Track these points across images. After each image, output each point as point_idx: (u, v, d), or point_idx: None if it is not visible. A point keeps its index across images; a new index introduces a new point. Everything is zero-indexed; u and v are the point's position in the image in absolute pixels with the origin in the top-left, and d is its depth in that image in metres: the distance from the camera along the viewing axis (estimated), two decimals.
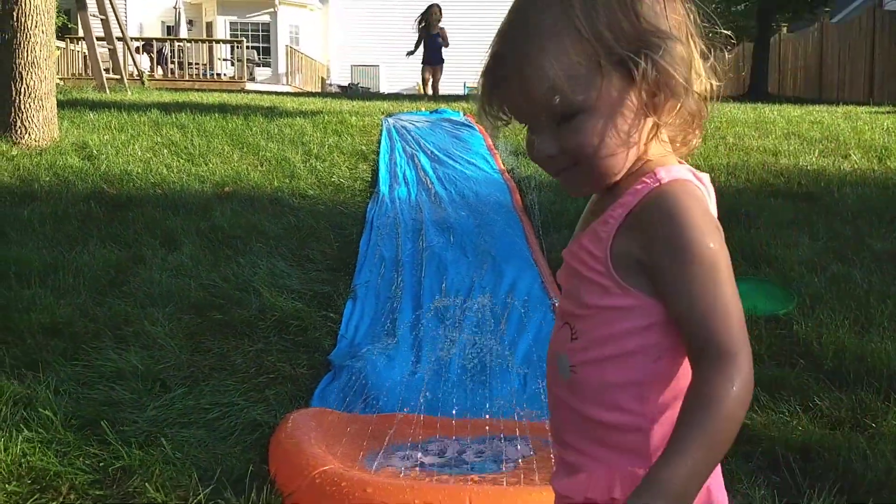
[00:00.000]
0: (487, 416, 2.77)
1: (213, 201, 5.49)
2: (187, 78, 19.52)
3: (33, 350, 3.27)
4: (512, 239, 4.92)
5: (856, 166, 6.63)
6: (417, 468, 2.46)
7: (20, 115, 6.54)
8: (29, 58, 6.40)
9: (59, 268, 4.11)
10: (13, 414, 2.78)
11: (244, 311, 3.82)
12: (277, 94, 15.65)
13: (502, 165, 6.96)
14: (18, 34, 6.44)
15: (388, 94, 17.79)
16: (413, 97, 13.53)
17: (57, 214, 4.98)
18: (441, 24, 13.45)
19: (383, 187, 6.05)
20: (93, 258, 4.30)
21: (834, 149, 7.29)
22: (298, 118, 9.26)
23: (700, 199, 1.04)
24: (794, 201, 5.70)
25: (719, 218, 1.07)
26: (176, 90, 14.29)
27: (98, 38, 12.38)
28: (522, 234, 5.07)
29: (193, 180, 6.03)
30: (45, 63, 6.52)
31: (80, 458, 2.56)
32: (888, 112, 10.15)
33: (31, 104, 6.43)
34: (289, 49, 24.45)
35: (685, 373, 1.04)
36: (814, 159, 6.86)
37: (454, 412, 2.85)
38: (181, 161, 6.55)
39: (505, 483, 2.30)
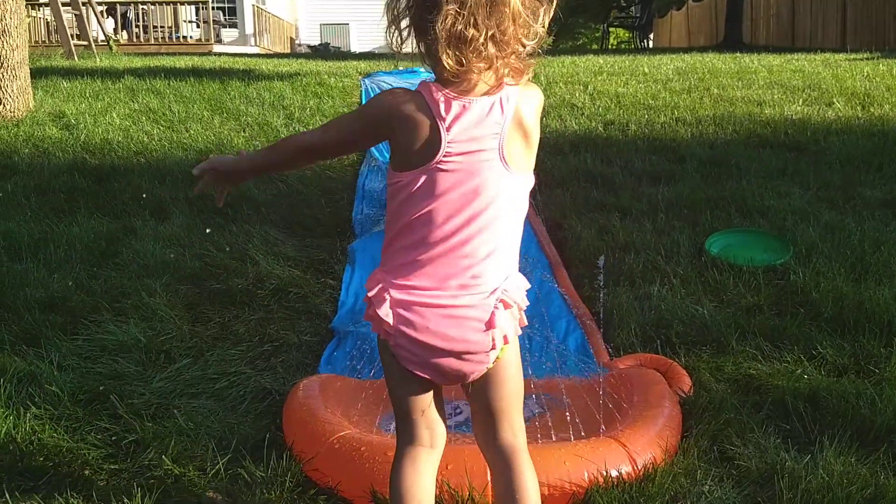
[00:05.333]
0: None
1: None
2: (153, 42, 19.03)
3: (32, 326, 3.22)
4: None
5: (840, 114, 6.66)
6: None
7: None
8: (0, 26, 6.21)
9: (49, 241, 4.04)
10: (18, 391, 2.74)
11: (242, 279, 3.78)
12: (247, 55, 15.39)
13: None
14: None
15: (361, 54, 17.55)
16: (387, 56, 13.33)
17: (41, 187, 4.88)
18: None
19: (373, 150, 5.99)
20: (82, 230, 4.22)
21: (817, 97, 7.32)
22: (276, 81, 9.12)
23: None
24: (781, 151, 5.73)
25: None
26: (142, 55, 14.00)
27: (63, 4, 12.04)
28: None
29: (176, 148, 5.93)
30: (16, 31, 6.33)
31: (92, 433, 2.54)
32: (866, 59, 10.20)
33: (5, 74, 6.26)
34: (256, 9, 23.88)
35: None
36: (798, 108, 6.88)
37: None
38: (161, 128, 6.44)
39: None
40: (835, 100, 7.11)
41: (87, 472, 2.38)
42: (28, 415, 2.59)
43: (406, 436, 1.82)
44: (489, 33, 1.56)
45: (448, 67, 1.58)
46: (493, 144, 1.62)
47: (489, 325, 1.66)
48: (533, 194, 4.88)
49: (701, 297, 3.46)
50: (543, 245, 4.24)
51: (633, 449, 2.19)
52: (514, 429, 1.81)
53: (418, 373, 1.71)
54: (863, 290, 3.34)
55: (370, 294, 1.71)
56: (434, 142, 1.62)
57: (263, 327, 3.37)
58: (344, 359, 3.13)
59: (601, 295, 3.32)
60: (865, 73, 8.49)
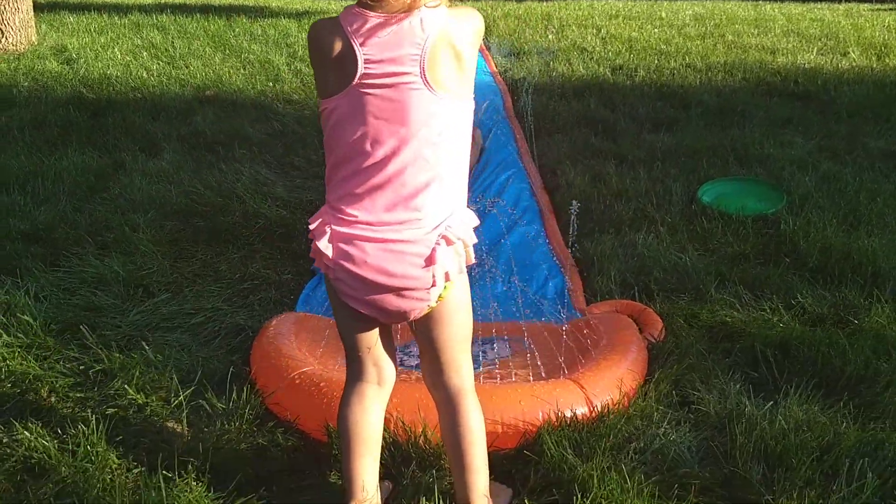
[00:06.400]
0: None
1: (195, 105, 5.36)
2: None
3: (12, 257, 3.24)
4: (503, 145, 4.82)
5: (854, 64, 6.47)
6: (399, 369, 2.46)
7: None
8: None
9: (39, 174, 4.04)
10: None
11: (228, 218, 3.77)
12: None
13: (494, 67, 6.79)
14: None
15: None
16: None
17: (37, 120, 4.86)
18: None
19: None
20: (73, 164, 4.22)
21: (833, 46, 7.11)
22: (283, 19, 8.98)
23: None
24: (790, 100, 5.59)
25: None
26: None
27: None
28: (513, 139, 4.97)
29: (174, 84, 5.87)
30: None
31: (61, 363, 2.56)
32: (890, 9, 9.87)
33: (7, 6, 6.19)
34: None
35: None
36: (812, 57, 6.69)
37: None
38: (161, 64, 6.38)
39: (481, 380, 2.31)
40: (850, 50, 6.90)
41: (52, 399, 2.40)
42: None
43: (354, 372, 1.82)
44: None
45: None
46: (414, 67, 1.57)
47: (429, 261, 1.63)
48: (530, 140, 4.79)
49: (686, 245, 3.41)
50: (536, 191, 4.19)
51: (591, 391, 2.18)
52: (459, 370, 1.79)
53: (359, 309, 1.69)
54: (852, 240, 3.27)
55: (312, 227, 1.69)
56: (351, 61, 1.58)
57: (245, 265, 3.37)
58: (322, 298, 3.12)
59: (570, 240, 3.28)
60: (886, 24, 8.23)
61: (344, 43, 1.58)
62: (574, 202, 3.15)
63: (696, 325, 2.77)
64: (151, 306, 3.00)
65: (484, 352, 2.56)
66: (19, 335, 2.67)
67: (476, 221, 1.71)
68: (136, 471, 2.05)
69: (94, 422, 2.14)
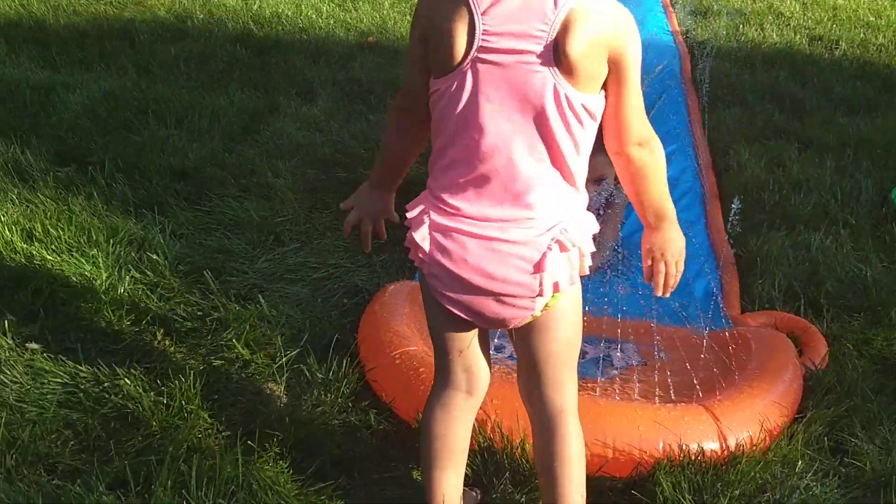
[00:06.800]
0: (602, 316, 2.46)
1: (356, 51, 5.29)
2: None
3: (157, 192, 3.29)
4: (672, 113, 4.41)
5: None
6: (509, 361, 2.26)
7: None
8: None
9: (197, 109, 4.10)
10: (126, 254, 2.81)
11: (369, 171, 3.66)
12: None
13: (676, 26, 6.26)
14: None
15: None
16: None
17: (204, 54, 4.96)
18: None
19: None
20: (230, 103, 4.26)
21: None
22: None
23: None
24: None
25: None
26: None
27: None
28: (685, 109, 4.54)
29: (339, 27, 5.84)
30: None
31: (181, 306, 2.56)
32: None
33: None
34: None
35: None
36: None
37: None
38: (332, 6, 6.37)
39: (597, 392, 2.07)
40: None
41: (166, 342, 2.40)
42: (128, 278, 2.65)
43: (442, 376, 1.64)
44: None
45: None
46: (538, 45, 1.34)
47: (538, 267, 1.42)
48: (703, 111, 4.32)
49: (870, 254, 2.95)
50: (702, 171, 3.79)
51: (727, 424, 1.88)
52: (561, 388, 1.57)
53: (453, 310, 1.51)
54: None
55: (409, 215, 1.52)
56: (468, 31, 1.37)
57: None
58: None
59: (728, 239, 2.91)
60: None
61: (463, 9, 1.37)
62: (736, 198, 2.78)
63: (867, 354, 2.38)
64: (280, 255, 2.97)
65: (608, 356, 2.30)
66: (148, 273, 2.70)
67: (596, 228, 1.48)
68: (224, 434, 1.99)
69: (192, 376, 2.10)
